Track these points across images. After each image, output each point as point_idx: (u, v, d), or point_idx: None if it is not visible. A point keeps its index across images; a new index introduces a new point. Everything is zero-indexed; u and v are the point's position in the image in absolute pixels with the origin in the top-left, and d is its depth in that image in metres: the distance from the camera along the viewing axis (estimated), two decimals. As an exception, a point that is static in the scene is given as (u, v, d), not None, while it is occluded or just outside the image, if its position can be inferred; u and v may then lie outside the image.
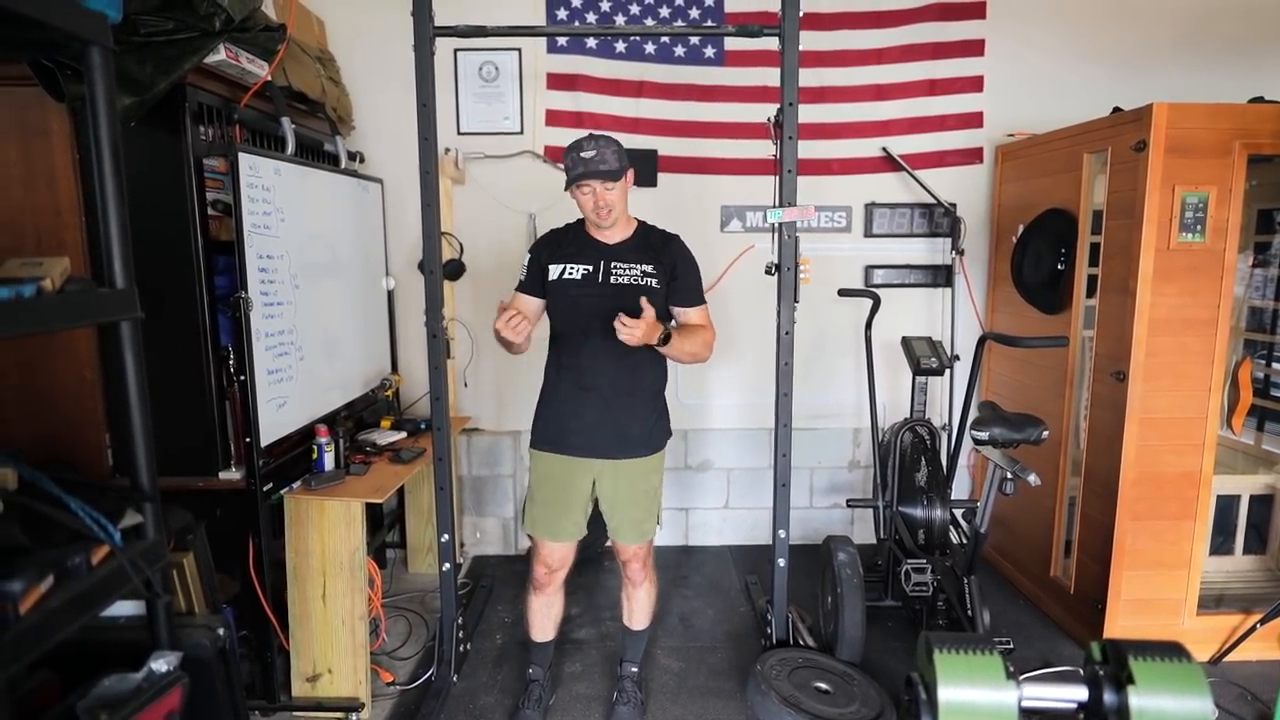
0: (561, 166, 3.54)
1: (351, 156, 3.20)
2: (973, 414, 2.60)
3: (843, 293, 3.09)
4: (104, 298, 1.41)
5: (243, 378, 2.30)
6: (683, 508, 3.86)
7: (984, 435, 2.31)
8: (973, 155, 3.65)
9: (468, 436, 3.70)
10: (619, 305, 2.09)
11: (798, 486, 3.81)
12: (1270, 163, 2.81)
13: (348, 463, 2.69)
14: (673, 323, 2.27)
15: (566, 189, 2.20)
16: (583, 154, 2.13)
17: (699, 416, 3.78)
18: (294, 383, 2.55)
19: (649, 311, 2.05)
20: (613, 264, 2.23)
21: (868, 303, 3.12)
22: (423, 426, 3.16)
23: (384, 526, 3.51)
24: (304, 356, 2.63)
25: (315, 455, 2.56)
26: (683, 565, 3.68)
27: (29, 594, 1.15)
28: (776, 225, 2.55)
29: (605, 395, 2.24)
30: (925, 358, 2.95)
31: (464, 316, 3.60)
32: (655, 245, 2.29)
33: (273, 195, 2.43)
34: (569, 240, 2.30)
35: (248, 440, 2.32)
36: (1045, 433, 2.35)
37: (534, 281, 2.29)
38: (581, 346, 2.23)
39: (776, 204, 2.54)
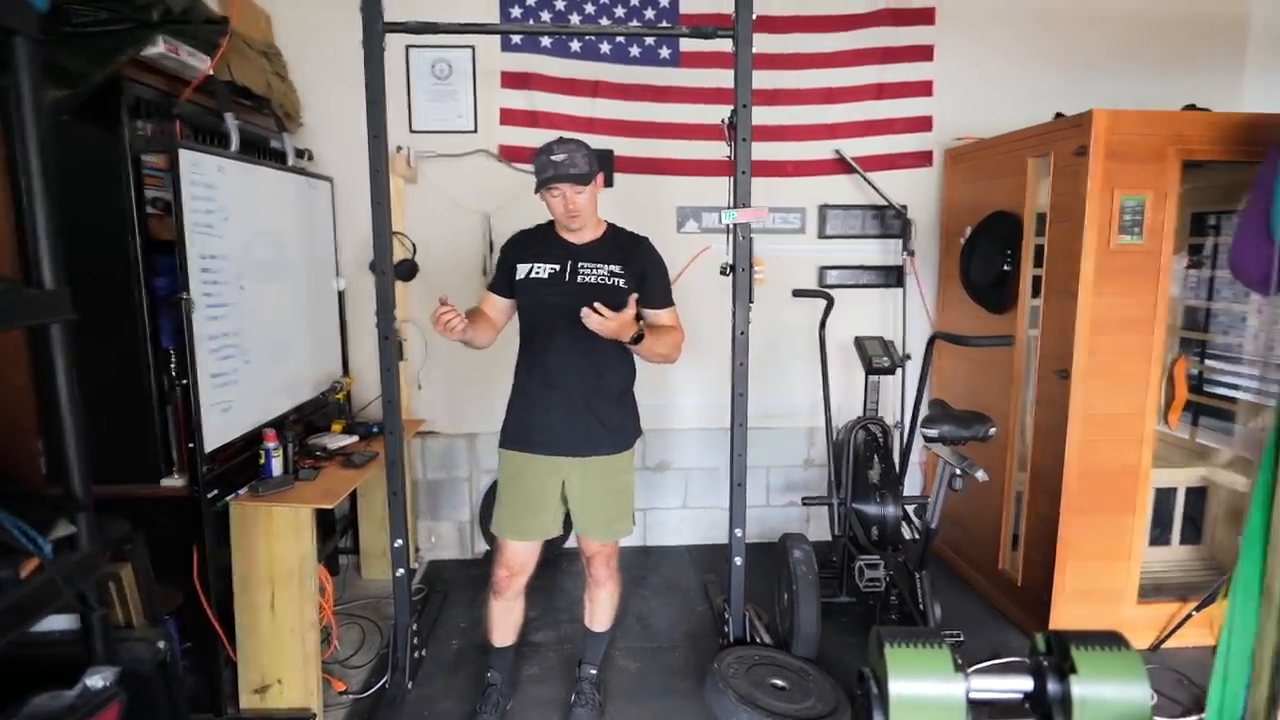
0: (518, 166, 3.56)
1: (299, 154, 3.13)
2: (924, 412, 2.65)
3: (797, 293, 3.12)
4: (32, 299, 1.36)
5: (185, 382, 2.22)
6: (641, 508, 3.86)
7: (934, 433, 2.36)
8: (923, 158, 3.72)
9: (422, 439, 3.65)
10: (585, 304, 2.09)
11: (754, 485, 3.84)
12: (1203, 168, 2.92)
13: (297, 468, 2.63)
14: (643, 323, 2.27)
15: (536, 191, 2.20)
16: (553, 157, 2.13)
17: (658, 417, 3.78)
18: (239, 386, 2.48)
19: (629, 310, 2.08)
20: (580, 264, 2.23)
21: (822, 303, 3.16)
22: (375, 430, 3.10)
23: (336, 533, 3.44)
24: (250, 360, 2.56)
25: (263, 461, 2.49)
26: (641, 565, 3.68)
27: (-50, 611, 1.09)
28: (731, 226, 2.56)
29: (572, 393, 2.23)
30: (877, 357, 3.00)
31: (417, 318, 3.54)
32: (624, 246, 2.30)
33: (216, 193, 2.36)
34: (537, 240, 2.30)
35: (191, 446, 2.25)
36: (992, 430, 2.41)
37: (502, 281, 2.30)
38: (548, 345, 2.23)
39: (731, 205, 2.55)
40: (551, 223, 2.32)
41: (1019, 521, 3.11)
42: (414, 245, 3.40)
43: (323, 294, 3.26)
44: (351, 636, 3.04)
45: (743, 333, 2.57)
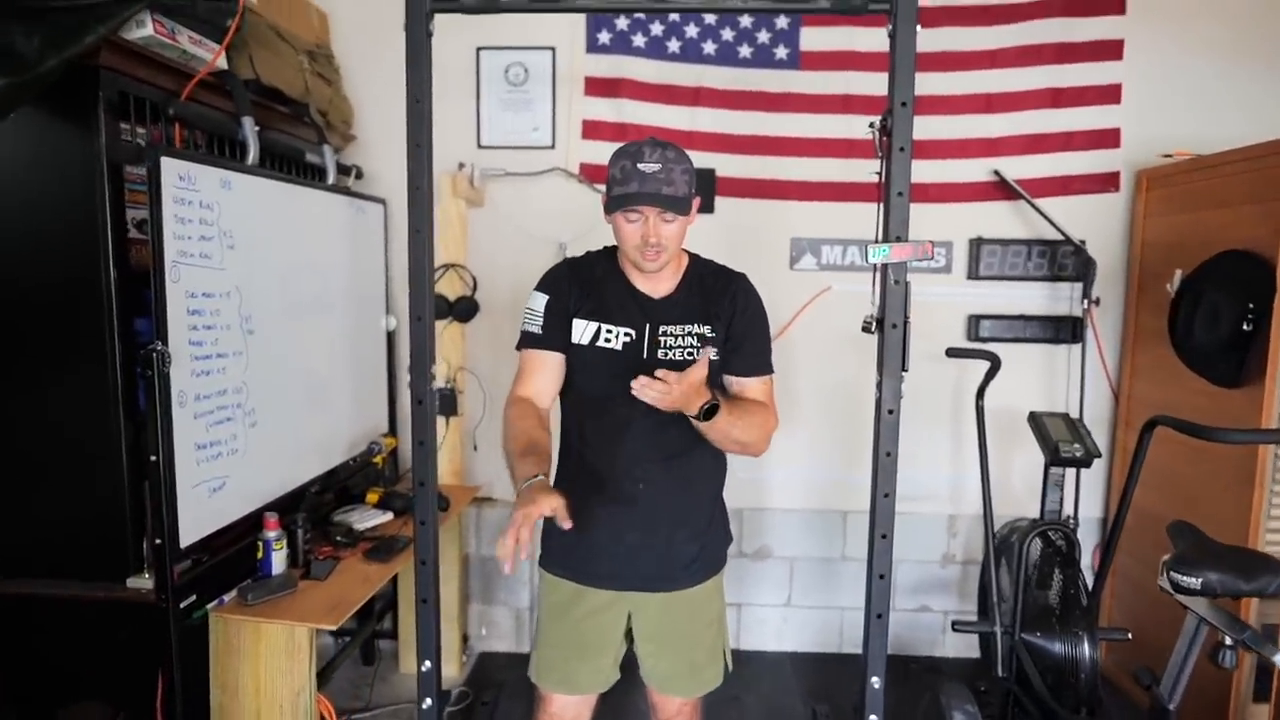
0: (601, 188, 2.96)
1: (345, 170, 2.66)
2: (1130, 524, 1.88)
3: (952, 353, 2.41)
4: None
5: (155, 457, 1.71)
6: (735, 603, 3.17)
7: (1193, 582, 1.60)
8: (1105, 181, 2.95)
9: (477, 508, 3.08)
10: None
11: (877, 582, 3.10)
12: None
13: (309, 559, 2.09)
14: (718, 392, 1.61)
15: (608, 212, 1.59)
16: (641, 165, 1.52)
17: (755, 493, 3.10)
18: (240, 457, 1.97)
19: (699, 368, 1.44)
20: (661, 328, 1.60)
21: (981, 365, 2.44)
22: (416, 504, 2.55)
23: (374, 615, 2.90)
24: (257, 422, 2.05)
25: (261, 555, 1.96)
26: (732, 677, 2.98)
27: None
28: (879, 266, 1.89)
29: (649, 507, 1.61)
30: (1065, 443, 2.24)
31: (476, 365, 3.00)
32: (712, 290, 1.66)
33: (217, 215, 1.86)
34: (598, 281, 1.65)
35: (159, 541, 1.74)
36: None
37: (555, 332, 1.63)
38: (617, 443, 1.60)
39: (880, 238, 1.88)
40: (612, 253, 1.69)
41: (1265, 676, 2.27)
42: (474, 280, 2.87)
43: (368, 335, 2.76)
44: (376, 758, 2.47)
45: (891, 411, 1.87)
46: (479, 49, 2.93)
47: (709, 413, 1.46)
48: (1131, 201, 2.92)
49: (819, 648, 3.16)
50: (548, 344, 1.62)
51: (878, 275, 1.91)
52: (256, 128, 2.05)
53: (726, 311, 1.62)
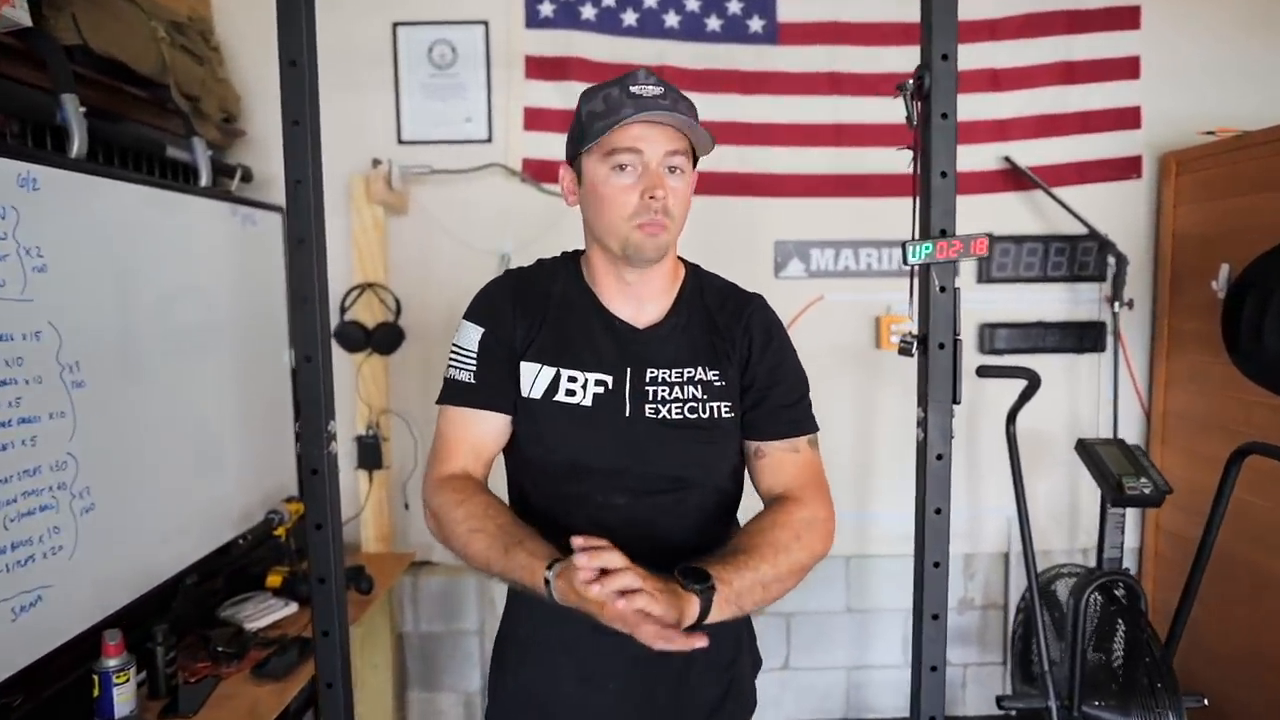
0: (549, 189, 2.50)
1: (226, 171, 2.13)
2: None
3: (985, 373, 1.99)
4: None
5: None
6: (723, 669, 2.71)
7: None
8: (1125, 167, 2.59)
9: (413, 577, 2.56)
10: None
11: (886, 636, 2.68)
12: None
13: (173, 685, 1.56)
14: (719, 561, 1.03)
15: (575, 163, 1.13)
16: (636, 89, 1.05)
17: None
18: (65, 559, 1.43)
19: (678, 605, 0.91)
20: (648, 372, 1.12)
21: (1014, 384, 2.03)
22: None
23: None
24: (94, 505, 1.51)
25: (97, 692, 1.42)
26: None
27: None
28: (918, 270, 1.46)
29: (648, 667, 1.09)
30: (1129, 478, 1.84)
31: (404, 406, 2.48)
32: (718, 319, 1.18)
33: (12, 225, 1.34)
34: (557, 305, 1.16)
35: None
36: None
37: (495, 381, 1.12)
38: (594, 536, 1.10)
39: (916, 234, 1.46)
40: (573, 260, 1.21)
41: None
42: (398, 302, 2.36)
43: (267, 375, 2.23)
44: None
45: (940, 456, 1.44)
46: (395, 24, 2.44)
47: (703, 612, 0.93)
48: (1156, 189, 2.57)
49: (823, 715, 2.72)
50: (485, 399, 1.12)
51: (915, 281, 1.47)
52: (83, 109, 1.52)
53: (740, 349, 1.15)
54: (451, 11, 2.45)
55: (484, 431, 1.13)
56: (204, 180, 1.97)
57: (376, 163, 2.31)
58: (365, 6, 2.42)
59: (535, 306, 1.14)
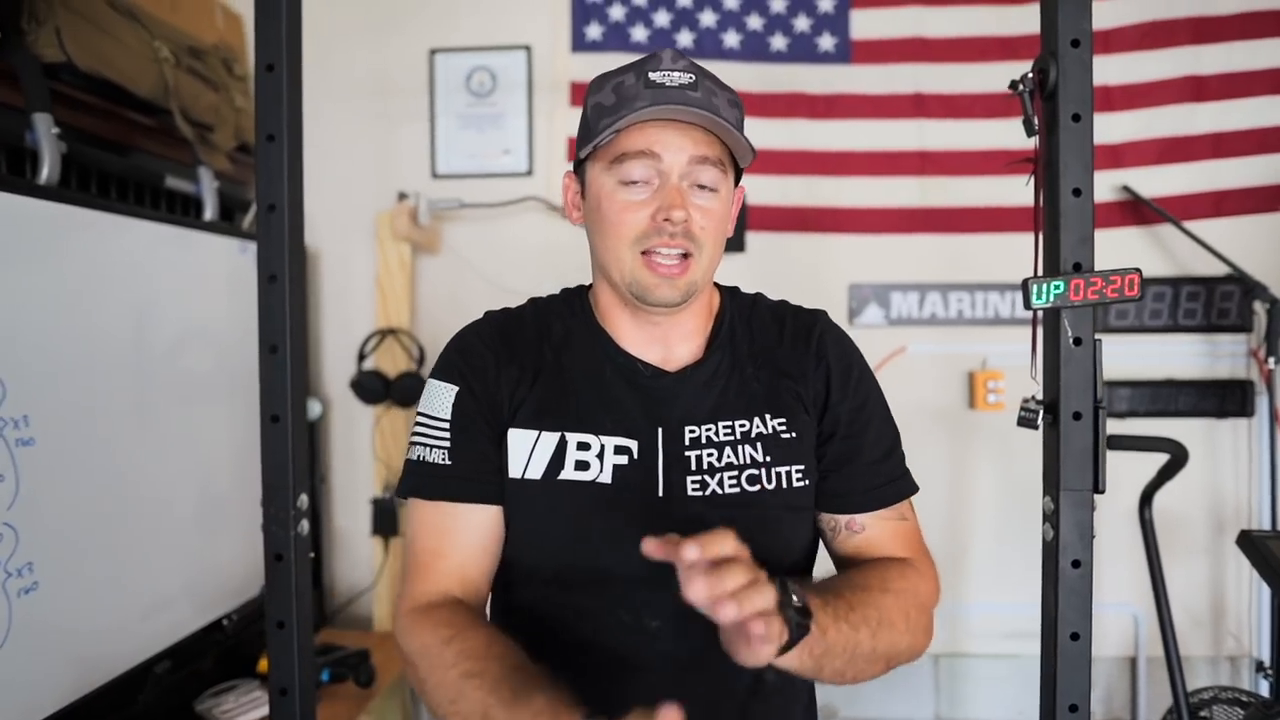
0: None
1: (242, 206, 1.96)
2: None
3: (1117, 444, 1.62)
4: None
5: None
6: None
7: None
8: (1270, 197, 2.19)
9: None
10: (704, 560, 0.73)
11: (984, 753, 2.25)
12: None
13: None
14: (804, 589, 0.73)
15: (581, 173, 0.89)
16: (656, 75, 0.79)
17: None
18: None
19: (720, 542, 0.63)
20: (686, 430, 0.84)
21: (1151, 459, 1.65)
22: (324, 677, 1.76)
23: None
24: (36, 584, 1.28)
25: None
26: None
27: None
28: (1040, 316, 1.14)
29: None
30: (1319, 585, 1.43)
31: (430, 462, 2.24)
32: (777, 344, 0.90)
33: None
34: (558, 350, 0.90)
35: None
36: None
37: (479, 462, 0.85)
38: (622, 686, 0.78)
39: (1039, 269, 1.15)
40: (579, 296, 0.96)
41: None
42: (421, 350, 2.13)
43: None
44: None
45: (1077, 563, 1.08)
46: (433, 51, 2.27)
47: (793, 641, 0.66)
48: (1306, 222, 2.16)
49: None
50: (469, 487, 0.84)
51: (1039, 330, 1.17)
52: (56, 130, 1.35)
53: (814, 385, 0.87)
54: (492, 37, 2.27)
55: (472, 532, 0.84)
56: (209, 213, 1.79)
57: (403, 196, 2.10)
58: (402, 34, 2.26)
59: (527, 352, 0.87)
